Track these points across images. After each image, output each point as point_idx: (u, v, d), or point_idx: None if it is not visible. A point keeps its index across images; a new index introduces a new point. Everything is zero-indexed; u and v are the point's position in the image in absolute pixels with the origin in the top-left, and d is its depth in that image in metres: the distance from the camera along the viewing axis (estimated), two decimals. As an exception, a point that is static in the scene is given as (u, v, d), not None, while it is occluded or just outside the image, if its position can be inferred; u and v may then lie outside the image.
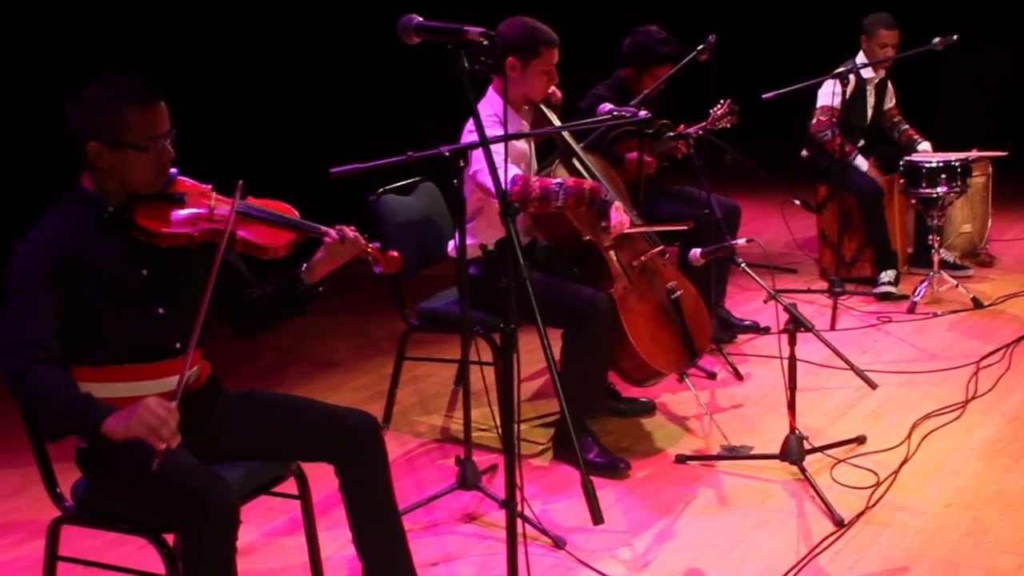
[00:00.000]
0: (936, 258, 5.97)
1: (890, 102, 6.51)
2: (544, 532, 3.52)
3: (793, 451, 3.83)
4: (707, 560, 3.41)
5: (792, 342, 3.76)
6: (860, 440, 4.17)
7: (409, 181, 4.44)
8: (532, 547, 3.37)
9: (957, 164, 5.87)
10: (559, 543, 3.49)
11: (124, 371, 2.70)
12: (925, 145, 6.32)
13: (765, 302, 3.93)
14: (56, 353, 2.57)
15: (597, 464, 3.97)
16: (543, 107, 4.15)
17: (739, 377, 4.93)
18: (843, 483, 3.83)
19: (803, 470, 3.81)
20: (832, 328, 5.55)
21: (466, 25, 2.60)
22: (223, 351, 2.63)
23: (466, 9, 3.98)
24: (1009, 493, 3.77)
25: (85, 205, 2.70)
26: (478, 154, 3.73)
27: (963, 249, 6.69)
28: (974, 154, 6.18)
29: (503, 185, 3.76)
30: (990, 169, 6.70)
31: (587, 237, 4.03)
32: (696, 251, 4.04)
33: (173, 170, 2.79)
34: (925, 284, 5.92)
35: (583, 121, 4.43)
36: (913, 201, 6.18)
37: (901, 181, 6.05)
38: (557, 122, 4.15)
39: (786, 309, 3.74)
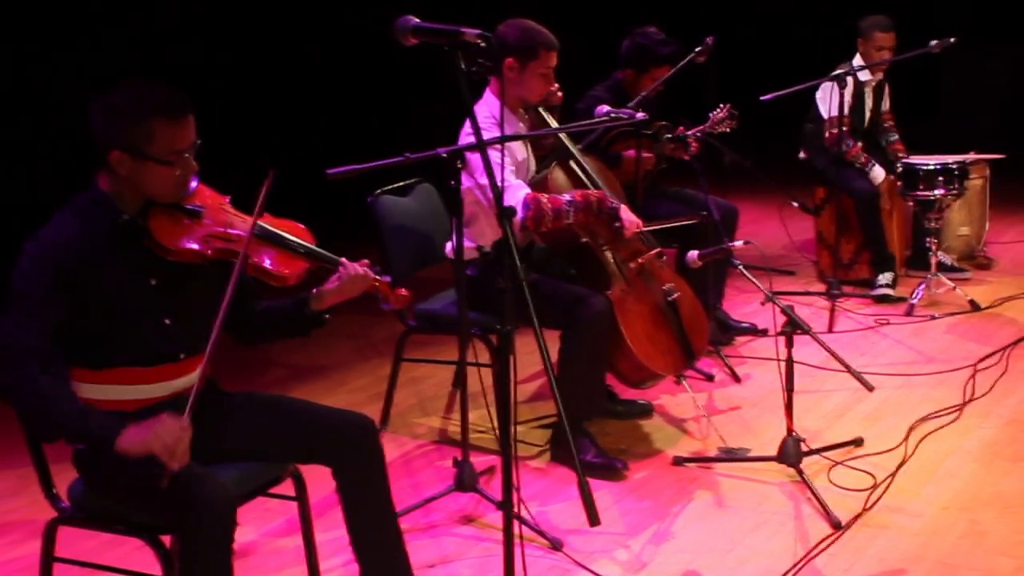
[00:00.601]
0: (934, 261, 5.98)
1: (885, 105, 6.51)
2: (541, 534, 3.52)
3: (790, 453, 3.83)
4: (704, 562, 3.41)
5: (789, 344, 3.76)
6: (857, 442, 4.17)
7: (407, 182, 4.45)
8: (529, 549, 3.38)
9: (955, 167, 5.88)
10: (556, 545, 3.49)
11: (123, 374, 2.69)
12: (879, 172, 6.25)
13: (763, 304, 3.93)
14: (58, 361, 2.56)
15: (594, 465, 3.97)
16: (541, 109, 4.15)
17: (737, 379, 4.94)
18: (840, 485, 3.83)
19: (800, 472, 3.81)
20: (830, 330, 5.55)
21: (463, 27, 2.61)
22: (221, 353, 2.62)
23: (466, 11, 3.98)
24: (1006, 495, 3.78)
25: (99, 208, 2.67)
26: (477, 162, 3.74)
27: (961, 252, 6.70)
28: (972, 157, 6.19)
29: (521, 195, 3.80)
30: (988, 172, 6.71)
31: (584, 239, 4.03)
32: (694, 253, 4.04)
33: (191, 184, 2.75)
34: (923, 286, 5.92)
35: (580, 123, 4.43)
36: (911, 203, 6.18)
37: (899, 183, 6.05)
38: (554, 124, 4.16)
39: (783, 311, 3.75)
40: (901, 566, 3.34)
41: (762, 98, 5.42)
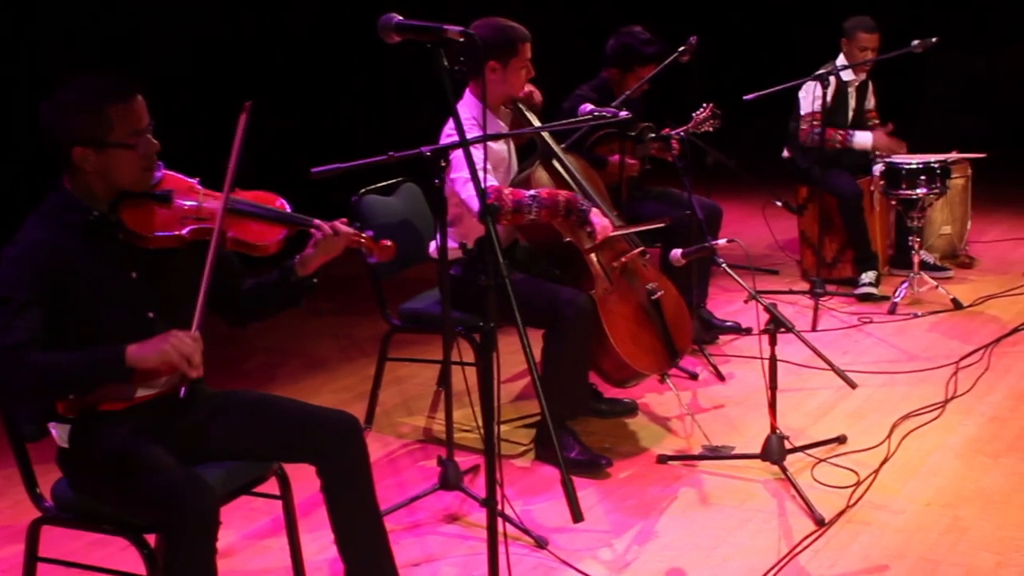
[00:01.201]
0: (916, 259, 6.00)
1: (870, 104, 6.54)
2: (526, 532, 3.53)
3: (774, 451, 3.84)
4: (688, 559, 3.42)
5: (773, 342, 3.77)
6: (841, 440, 4.19)
7: (392, 182, 4.45)
8: (514, 547, 3.38)
9: (937, 166, 5.91)
10: (541, 543, 3.49)
11: None
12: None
13: (746, 302, 3.95)
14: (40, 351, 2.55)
15: (578, 462, 3.98)
16: (523, 108, 4.15)
17: (721, 378, 4.95)
18: (824, 482, 3.85)
19: (784, 470, 3.82)
20: (813, 329, 5.57)
21: (445, 24, 2.61)
22: (205, 352, 2.62)
23: (444, 9, 3.99)
24: (988, 492, 3.80)
25: (69, 209, 2.66)
26: (458, 159, 3.74)
27: (943, 251, 6.73)
28: (954, 156, 6.22)
29: (493, 189, 3.80)
30: (969, 171, 6.74)
31: (567, 239, 4.04)
32: (677, 251, 4.05)
33: (158, 172, 2.76)
34: (905, 285, 5.95)
35: (564, 121, 4.43)
36: (893, 203, 6.21)
37: (881, 183, 6.08)
38: (537, 123, 4.16)
39: (767, 309, 3.76)
40: (884, 562, 3.36)
41: (745, 97, 5.44)
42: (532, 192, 3.90)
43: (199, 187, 2.82)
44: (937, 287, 5.93)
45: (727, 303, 5.93)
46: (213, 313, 2.89)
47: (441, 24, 2.62)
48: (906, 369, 4.97)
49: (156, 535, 2.68)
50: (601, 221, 3.99)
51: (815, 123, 6.05)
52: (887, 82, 6.84)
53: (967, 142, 6.75)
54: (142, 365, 2.51)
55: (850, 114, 6.41)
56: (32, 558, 2.82)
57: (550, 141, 4.22)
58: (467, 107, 4.03)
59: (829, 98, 5.96)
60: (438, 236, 3.38)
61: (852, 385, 3.80)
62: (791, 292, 6.27)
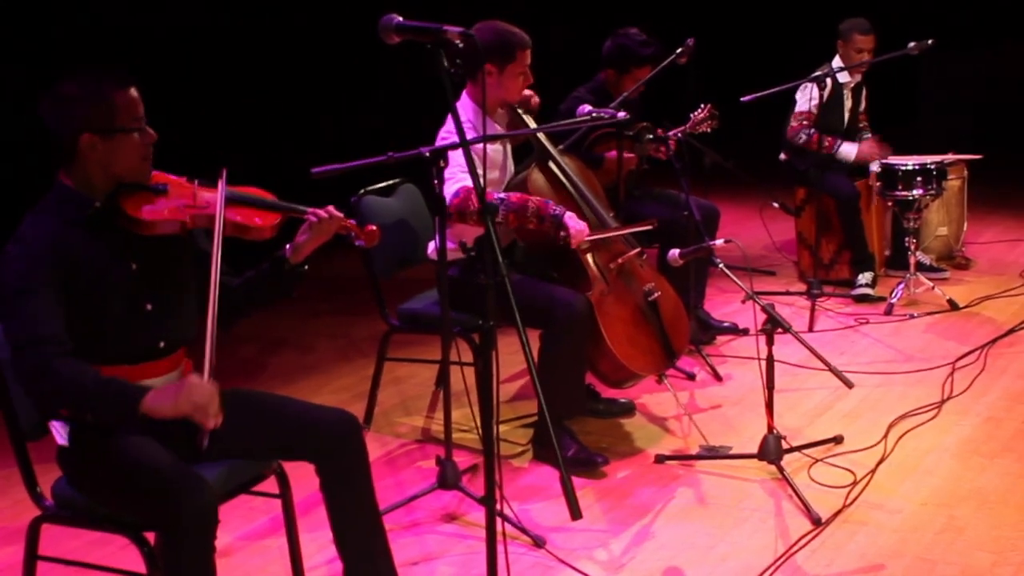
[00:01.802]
0: (913, 260, 6.02)
1: (862, 106, 6.56)
2: (524, 531, 3.54)
3: (771, 451, 3.86)
4: (686, 559, 3.43)
5: (770, 342, 3.79)
6: (837, 440, 4.21)
7: (391, 182, 4.46)
8: (512, 546, 3.39)
9: (933, 167, 5.93)
10: (539, 542, 3.51)
11: (107, 372, 2.69)
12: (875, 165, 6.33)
13: (743, 302, 3.96)
14: (70, 347, 2.58)
15: (576, 461, 3.99)
16: (520, 111, 4.16)
17: (718, 378, 4.97)
18: (820, 482, 3.87)
19: (781, 469, 3.84)
20: (810, 330, 5.59)
21: (446, 25, 2.63)
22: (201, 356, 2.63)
23: (445, 10, 4.00)
24: (983, 491, 3.81)
25: (70, 203, 2.69)
26: (453, 158, 3.75)
27: (939, 252, 6.75)
28: (950, 157, 6.24)
29: (455, 187, 3.79)
30: (966, 172, 6.76)
31: (562, 242, 4.04)
32: (675, 252, 4.06)
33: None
34: (902, 286, 5.97)
35: (562, 122, 4.45)
36: (890, 204, 6.23)
37: (878, 184, 6.10)
38: (534, 125, 4.17)
39: (764, 309, 3.77)
40: (880, 561, 3.37)
41: (742, 99, 5.46)
42: (501, 196, 3.91)
43: (192, 182, 2.85)
44: (933, 288, 5.95)
45: (724, 304, 5.95)
46: (202, 314, 2.91)
47: (441, 25, 2.63)
48: (902, 370, 4.99)
49: (155, 533, 2.69)
50: (576, 225, 3.93)
51: (805, 123, 6.09)
52: (883, 84, 6.86)
53: (963, 143, 6.78)
54: (155, 414, 2.54)
55: (846, 115, 6.43)
56: (32, 556, 2.83)
57: (546, 143, 4.23)
58: (463, 109, 4.04)
59: (825, 100, 5.97)
60: (437, 237, 3.40)
61: (849, 385, 3.81)
62: (788, 293, 6.29)
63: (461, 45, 2.69)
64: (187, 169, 2.88)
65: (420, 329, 4.36)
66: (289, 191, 3.07)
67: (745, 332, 5.46)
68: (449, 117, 3.83)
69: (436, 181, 3.26)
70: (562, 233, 3.91)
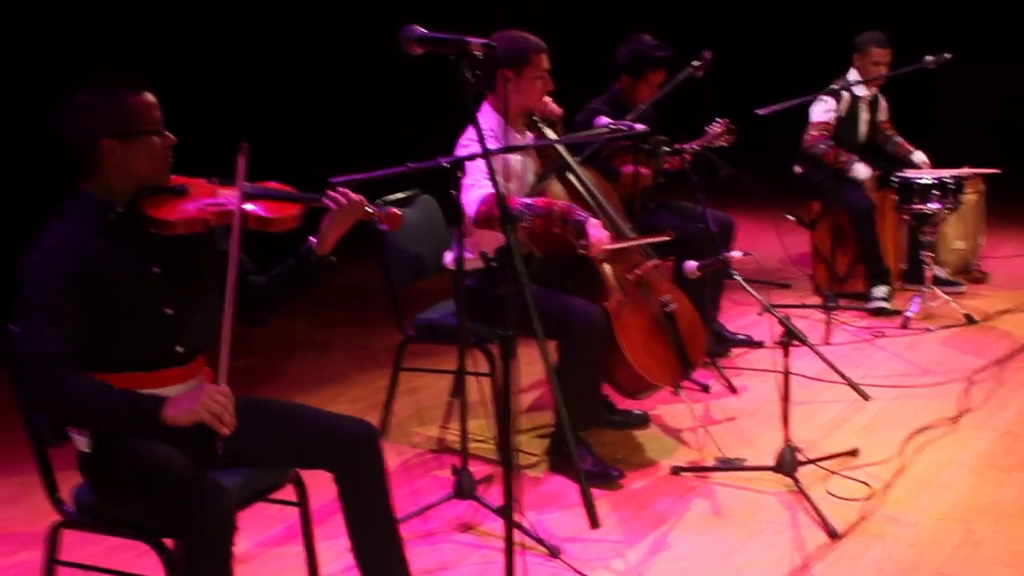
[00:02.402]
0: (929, 274, 6.01)
1: (882, 116, 6.56)
2: (540, 541, 3.54)
3: (787, 463, 3.86)
4: (701, 570, 3.43)
5: (787, 354, 3.78)
6: (853, 453, 4.20)
7: (408, 193, 4.48)
8: (528, 556, 3.39)
9: (950, 181, 5.92)
10: (554, 552, 3.51)
11: (124, 379, 2.70)
12: (919, 155, 6.39)
13: (759, 314, 3.97)
14: (77, 364, 2.59)
15: (591, 474, 3.99)
16: (540, 123, 4.18)
17: (733, 390, 4.96)
18: (836, 495, 3.86)
19: (797, 482, 3.84)
20: (826, 343, 5.58)
21: (468, 36, 2.64)
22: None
23: (461, 24, 4.02)
24: (1001, 506, 3.80)
25: (92, 209, 2.71)
26: (470, 167, 3.77)
27: (956, 265, 6.74)
28: (967, 171, 6.24)
29: (478, 195, 3.81)
30: (983, 186, 6.75)
31: (581, 251, 4.05)
32: (692, 264, 4.07)
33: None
34: (918, 300, 5.96)
35: (580, 134, 4.46)
36: (906, 217, 6.22)
37: (894, 197, 6.09)
38: (554, 136, 4.19)
39: (780, 322, 3.77)
40: (897, 575, 3.36)
41: (758, 112, 5.47)
42: (527, 201, 3.92)
43: (209, 183, 2.87)
44: (950, 302, 5.94)
45: (739, 316, 5.95)
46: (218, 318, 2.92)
47: (463, 36, 2.65)
48: (919, 383, 4.98)
49: (175, 540, 2.70)
50: (598, 234, 3.93)
51: (825, 133, 6.09)
52: (899, 97, 6.86)
53: (980, 157, 6.76)
54: (174, 424, 2.58)
55: (863, 128, 6.43)
56: (52, 562, 2.85)
57: (565, 154, 4.25)
58: (485, 119, 4.05)
59: (841, 112, 5.98)
60: (454, 246, 3.41)
61: (865, 398, 3.82)
62: (803, 306, 6.28)
63: (482, 56, 2.70)
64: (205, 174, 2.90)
65: (437, 339, 4.37)
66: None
67: (760, 344, 5.45)
68: (470, 126, 3.86)
69: (454, 191, 3.28)
70: (581, 241, 3.92)
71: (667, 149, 5.02)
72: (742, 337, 5.56)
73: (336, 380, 5.39)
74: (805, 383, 4.90)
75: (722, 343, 5.46)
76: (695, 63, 5.12)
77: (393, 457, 4.31)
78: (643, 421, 4.59)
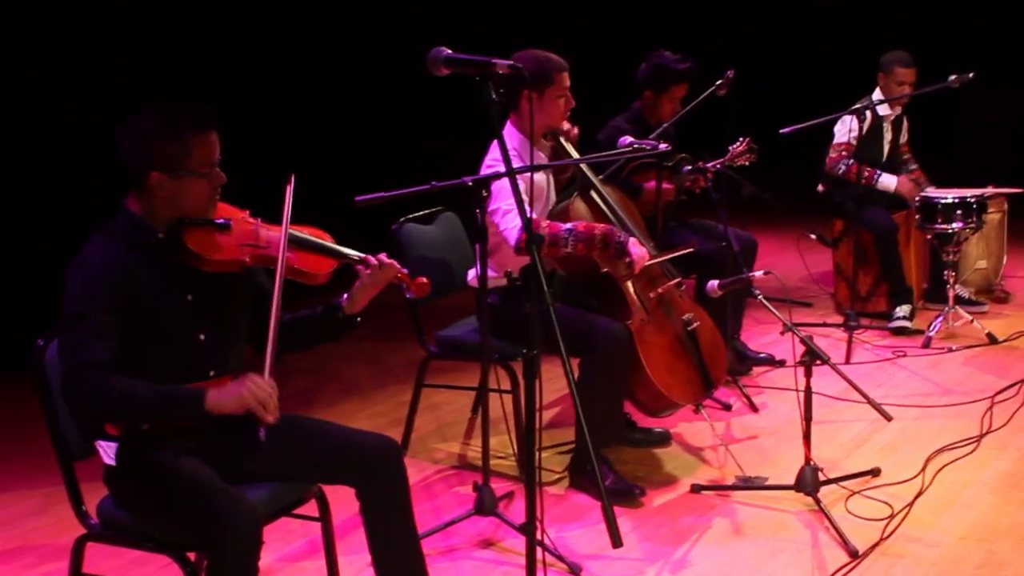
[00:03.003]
0: (951, 294, 6.00)
1: (903, 138, 6.56)
2: (561, 558, 3.55)
3: (808, 482, 3.85)
4: (722, 589, 3.43)
5: (808, 374, 3.79)
6: (875, 472, 4.19)
7: (431, 211, 4.51)
8: (549, 573, 3.40)
9: (973, 200, 5.91)
10: (575, 569, 3.51)
11: None
12: (929, 190, 6.34)
13: (782, 334, 3.96)
14: (116, 370, 2.63)
15: (612, 491, 3.99)
16: (563, 141, 4.20)
17: (754, 409, 4.96)
18: (857, 514, 3.85)
19: (818, 501, 3.83)
20: (847, 362, 5.57)
21: (494, 58, 2.67)
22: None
23: (483, 45, 4.06)
24: (1023, 526, 3.79)
25: (134, 229, 2.75)
26: (497, 190, 3.80)
27: (978, 285, 6.71)
28: (990, 191, 6.22)
29: (518, 222, 3.83)
30: (1006, 206, 6.73)
31: (604, 269, 4.07)
32: (714, 283, 4.08)
33: None
34: (940, 319, 5.94)
35: (603, 154, 4.49)
36: (929, 237, 6.21)
37: (917, 217, 6.08)
38: (576, 155, 4.21)
39: (802, 341, 3.78)
40: (918, 595, 3.36)
41: (781, 131, 5.47)
42: (569, 226, 3.94)
43: (251, 218, 2.90)
44: (972, 321, 5.92)
45: (761, 335, 5.94)
46: (250, 343, 2.96)
47: (489, 58, 2.67)
48: (941, 403, 4.97)
49: (199, 553, 2.73)
50: (639, 251, 4.01)
51: (844, 154, 6.10)
52: (923, 116, 6.86)
53: (1002, 177, 6.75)
54: (220, 410, 2.63)
55: (886, 147, 6.42)
56: (76, 574, 2.87)
57: (588, 173, 4.27)
58: (509, 138, 4.08)
59: (864, 132, 5.98)
60: (477, 264, 3.43)
61: (888, 418, 3.81)
62: (825, 325, 6.27)
63: (507, 76, 2.72)
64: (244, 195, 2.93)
65: (459, 356, 4.39)
66: (335, 219, 3.11)
67: (781, 363, 5.45)
68: (494, 145, 3.88)
69: (478, 210, 3.30)
70: (627, 260, 3.95)
71: (689, 167, 5.04)
72: (764, 356, 5.55)
73: (357, 395, 5.42)
74: (826, 402, 4.89)
75: (744, 362, 5.46)
76: (718, 82, 5.13)
77: (414, 473, 4.31)
78: (664, 439, 4.60)
